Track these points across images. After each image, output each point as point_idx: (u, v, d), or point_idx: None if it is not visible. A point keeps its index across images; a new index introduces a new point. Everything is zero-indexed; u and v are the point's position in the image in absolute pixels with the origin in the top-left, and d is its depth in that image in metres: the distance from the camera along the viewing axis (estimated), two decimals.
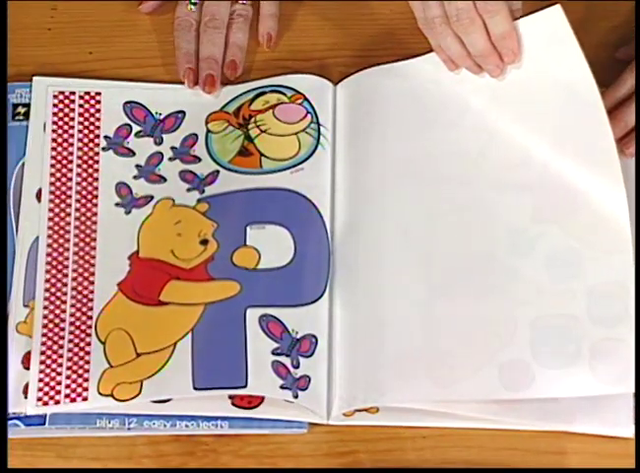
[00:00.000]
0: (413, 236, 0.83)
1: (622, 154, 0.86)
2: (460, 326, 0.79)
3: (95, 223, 0.85)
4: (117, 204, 0.85)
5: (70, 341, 0.81)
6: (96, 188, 0.86)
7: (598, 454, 0.78)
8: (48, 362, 0.80)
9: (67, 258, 0.83)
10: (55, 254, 0.83)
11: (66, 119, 0.87)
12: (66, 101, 0.88)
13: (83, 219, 0.85)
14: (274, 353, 0.80)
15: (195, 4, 0.91)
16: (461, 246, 0.82)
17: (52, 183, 0.85)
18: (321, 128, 0.87)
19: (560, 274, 0.79)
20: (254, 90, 0.89)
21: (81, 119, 0.88)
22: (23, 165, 0.86)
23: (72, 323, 0.81)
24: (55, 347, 0.80)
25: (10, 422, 0.78)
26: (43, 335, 0.81)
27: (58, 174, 0.86)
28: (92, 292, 0.82)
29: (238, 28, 0.91)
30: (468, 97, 0.85)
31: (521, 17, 0.81)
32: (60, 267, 0.83)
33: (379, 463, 0.78)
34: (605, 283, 0.77)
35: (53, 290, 0.82)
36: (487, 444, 0.78)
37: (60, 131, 0.87)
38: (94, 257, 0.84)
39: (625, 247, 0.77)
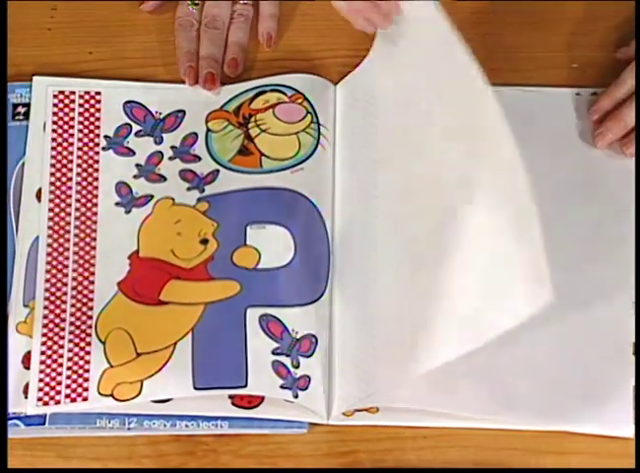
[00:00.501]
0: (402, 231, 0.83)
1: (622, 154, 0.86)
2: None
3: (95, 222, 0.85)
4: (117, 203, 0.85)
5: (70, 341, 0.81)
6: (96, 188, 0.86)
7: (598, 454, 0.78)
8: (48, 362, 0.80)
9: (67, 258, 0.83)
10: (55, 254, 0.83)
11: (66, 119, 0.87)
12: (66, 101, 0.88)
13: (83, 218, 0.85)
14: (274, 353, 0.80)
15: (196, 4, 0.91)
16: (442, 228, 0.81)
17: (52, 183, 0.85)
18: (321, 128, 0.87)
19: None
20: (254, 89, 0.89)
21: (81, 119, 0.88)
22: (23, 165, 0.86)
23: (72, 323, 0.81)
24: (55, 347, 0.80)
25: (10, 422, 0.78)
26: (43, 335, 0.81)
27: (58, 174, 0.85)
28: (91, 291, 0.82)
29: (239, 27, 0.91)
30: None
31: None
32: (60, 267, 0.83)
33: (379, 463, 0.78)
34: (512, 209, 0.74)
35: (53, 290, 0.82)
36: (487, 444, 0.78)
37: (60, 131, 0.87)
38: (94, 257, 0.84)
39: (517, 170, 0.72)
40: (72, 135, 0.87)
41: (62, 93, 0.88)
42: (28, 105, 0.88)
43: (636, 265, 0.81)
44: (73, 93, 0.88)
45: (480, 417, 0.77)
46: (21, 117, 0.87)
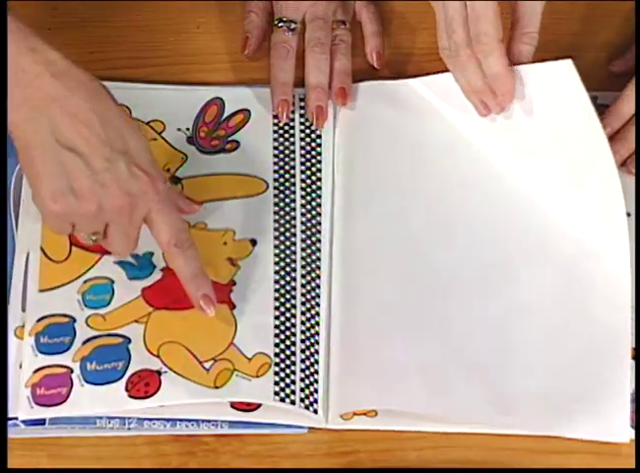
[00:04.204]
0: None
1: (629, 173, 0.85)
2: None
3: None
4: None
5: None
6: None
7: (598, 454, 0.78)
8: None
9: None
10: None
11: None
12: None
13: None
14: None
15: (293, 29, 0.88)
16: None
17: None
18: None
19: None
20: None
21: None
22: None
23: None
24: None
25: (10, 422, 0.77)
26: None
27: None
28: None
29: (342, 54, 0.89)
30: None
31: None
32: None
33: (379, 463, 0.78)
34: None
35: None
36: (487, 444, 0.78)
37: None
38: None
39: None
40: None
41: None
42: None
43: (636, 265, 0.81)
44: None
45: (475, 420, 0.77)
46: None
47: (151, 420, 0.79)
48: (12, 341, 0.80)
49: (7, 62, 0.70)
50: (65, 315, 0.81)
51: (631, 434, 0.77)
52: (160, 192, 0.74)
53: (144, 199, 0.73)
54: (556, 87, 0.81)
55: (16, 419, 0.78)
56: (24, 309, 0.81)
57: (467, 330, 0.80)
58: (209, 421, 0.79)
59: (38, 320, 0.81)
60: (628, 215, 0.81)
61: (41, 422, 0.78)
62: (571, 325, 0.80)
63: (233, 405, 0.79)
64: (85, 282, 0.82)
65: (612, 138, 0.84)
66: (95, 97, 0.72)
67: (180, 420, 0.79)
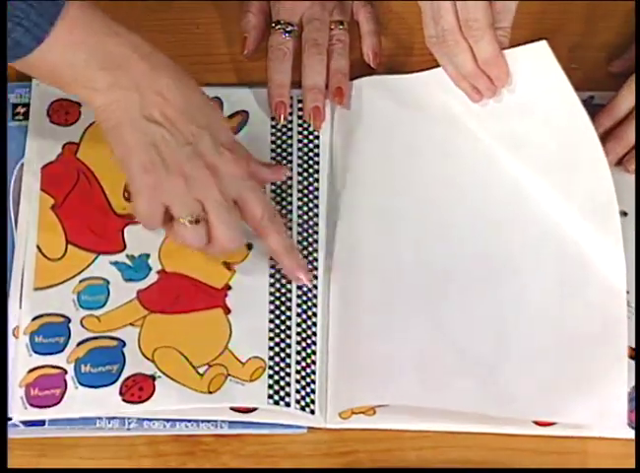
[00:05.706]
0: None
1: (625, 170, 0.85)
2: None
3: None
4: None
5: None
6: None
7: (598, 454, 0.78)
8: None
9: None
10: None
11: None
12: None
13: None
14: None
15: (289, 31, 0.89)
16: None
17: None
18: None
19: None
20: None
21: None
22: (22, 165, 0.85)
23: None
24: None
25: (10, 422, 0.77)
26: None
27: None
28: None
29: (339, 54, 0.89)
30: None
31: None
32: None
33: (379, 463, 0.78)
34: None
35: None
36: (487, 444, 0.78)
37: None
38: None
39: None
40: None
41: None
42: (27, 106, 0.88)
43: (636, 266, 0.81)
44: None
45: (472, 411, 0.77)
46: (20, 117, 0.87)
47: (150, 420, 0.79)
48: (10, 342, 0.80)
49: (6, 63, 0.70)
50: (60, 315, 0.81)
51: (631, 433, 0.77)
52: (249, 172, 0.77)
53: (232, 180, 0.75)
54: (535, 69, 0.81)
55: (10, 419, 0.78)
56: (21, 308, 0.81)
57: (464, 324, 0.80)
58: (208, 421, 0.79)
59: (33, 319, 0.81)
60: (626, 214, 0.82)
61: (41, 422, 0.78)
62: (568, 315, 0.80)
63: (232, 407, 0.79)
64: (80, 281, 0.82)
65: (608, 136, 0.85)
66: (177, 76, 0.75)
67: (180, 420, 0.79)
